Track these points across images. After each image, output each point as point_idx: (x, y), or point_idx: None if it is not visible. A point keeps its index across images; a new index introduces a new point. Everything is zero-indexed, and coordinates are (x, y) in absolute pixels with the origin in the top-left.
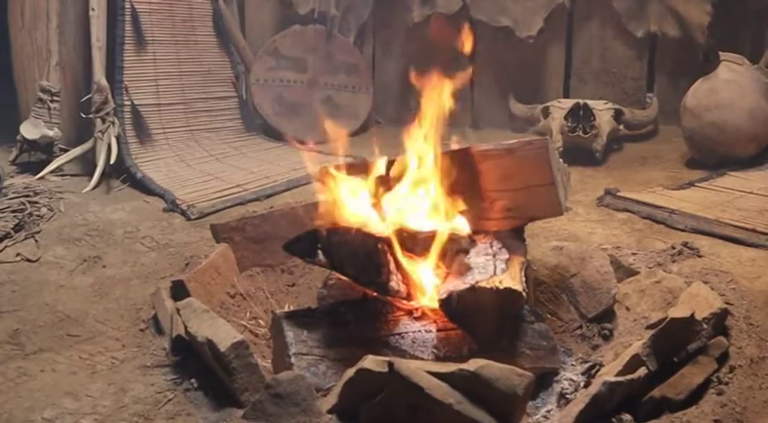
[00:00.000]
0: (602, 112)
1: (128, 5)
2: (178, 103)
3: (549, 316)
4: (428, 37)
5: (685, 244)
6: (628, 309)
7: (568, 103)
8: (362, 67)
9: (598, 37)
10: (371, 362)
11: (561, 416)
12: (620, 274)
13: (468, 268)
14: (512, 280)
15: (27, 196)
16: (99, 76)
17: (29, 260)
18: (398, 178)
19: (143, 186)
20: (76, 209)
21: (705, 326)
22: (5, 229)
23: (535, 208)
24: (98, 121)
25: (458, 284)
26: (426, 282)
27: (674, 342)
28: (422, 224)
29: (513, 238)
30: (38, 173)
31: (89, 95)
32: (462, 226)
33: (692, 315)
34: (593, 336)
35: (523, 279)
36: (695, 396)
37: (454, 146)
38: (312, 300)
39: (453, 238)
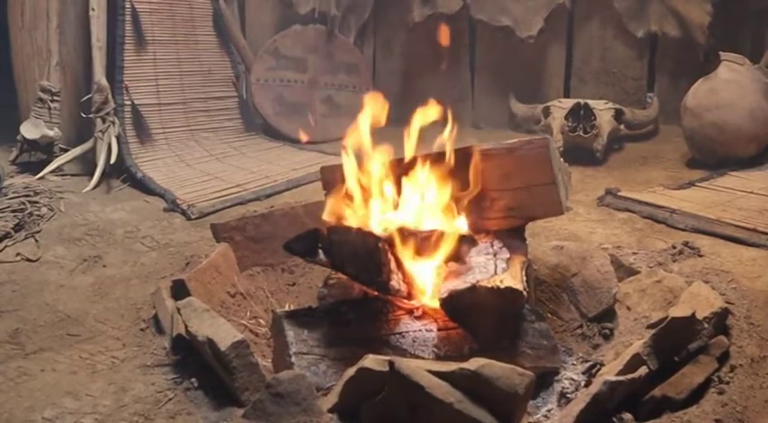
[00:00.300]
0: (603, 111)
1: (128, 5)
2: (178, 103)
3: (549, 315)
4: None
5: (686, 243)
6: (628, 308)
7: (569, 103)
8: (363, 67)
9: (598, 37)
10: (372, 361)
11: (562, 415)
12: (620, 274)
13: (469, 267)
14: (512, 279)
15: (27, 196)
16: (99, 75)
17: (29, 260)
18: (400, 177)
19: (143, 186)
20: (77, 209)
21: (706, 325)
22: (6, 229)
23: (536, 207)
24: (98, 120)
25: (458, 284)
26: (427, 281)
27: (675, 341)
28: (422, 223)
29: (514, 238)
30: (38, 173)
31: (89, 95)
32: (462, 225)
33: (693, 314)
34: (593, 335)
35: (524, 278)
36: (696, 395)
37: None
38: (312, 299)
39: (455, 238)
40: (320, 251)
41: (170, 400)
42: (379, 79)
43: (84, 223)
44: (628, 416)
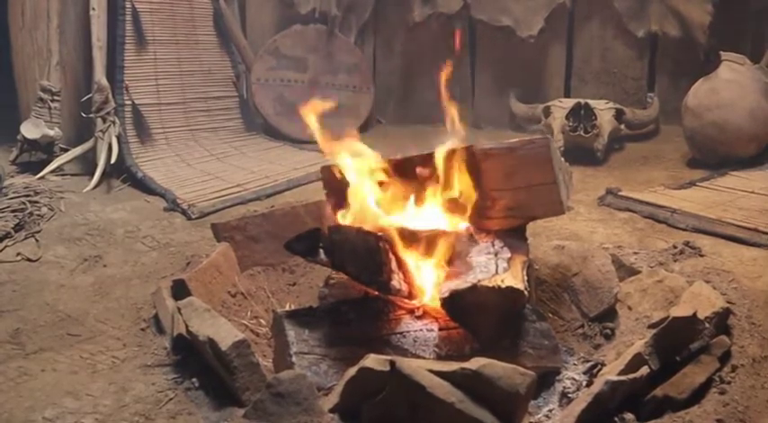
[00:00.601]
0: (604, 111)
1: (128, 5)
2: (179, 103)
3: (550, 315)
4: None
5: (687, 243)
6: (630, 308)
7: (569, 103)
8: (363, 67)
9: (599, 37)
10: (373, 361)
11: (563, 415)
12: (621, 274)
13: (470, 267)
14: (513, 279)
15: (27, 196)
16: (99, 75)
17: (29, 260)
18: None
19: (144, 186)
20: (77, 208)
21: (707, 325)
22: (6, 229)
23: (537, 207)
24: (99, 120)
25: (459, 283)
26: (428, 280)
27: (677, 341)
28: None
29: (515, 237)
30: (38, 172)
31: (90, 95)
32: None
33: (695, 314)
34: (594, 335)
35: (525, 278)
36: (697, 395)
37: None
38: (313, 299)
39: (456, 237)
40: (321, 251)
41: (171, 399)
42: (379, 79)
43: (84, 223)
44: (629, 416)
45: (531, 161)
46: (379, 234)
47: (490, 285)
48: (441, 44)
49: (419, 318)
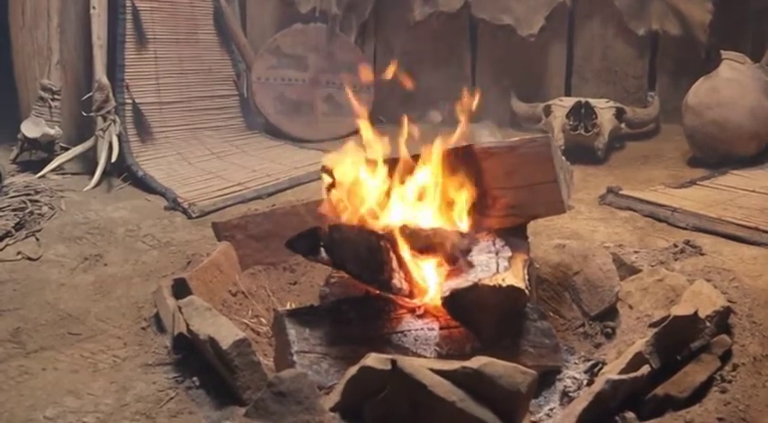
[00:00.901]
0: (604, 110)
1: (129, 3)
2: (179, 102)
3: (551, 314)
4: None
5: (687, 242)
6: (630, 307)
7: (570, 102)
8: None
9: (599, 35)
10: (374, 360)
11: (564, 414)
12: (622, 272)
13: (471, 266)
14: (514, 278)
15: (28, 195)
16: (100, 74)
17: (30, 258)
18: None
19: (144, 185)
20: (77, 207)
21: (708, 324)
22: (6, 228)
23: (538, 206)
24: (99, 119)
25: (460, 282)
26: (429, 279)
27: (677, 340)
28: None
29: (516, 236)
30: (39, 171)
31: (90, 94)
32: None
33: (695, 313)
34: (595, 334)
35: (526, 277)
36: (698, 394)
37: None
38: (314, 298)
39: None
40: (322, 249)
41: (171, 399)
42: (379, 78)
43: (85, 222)
44: (630, 414)
45: (532, 160)
46: (381, 233)
47: (491, 284)
48: (441, 43)
49: (420, 316)
